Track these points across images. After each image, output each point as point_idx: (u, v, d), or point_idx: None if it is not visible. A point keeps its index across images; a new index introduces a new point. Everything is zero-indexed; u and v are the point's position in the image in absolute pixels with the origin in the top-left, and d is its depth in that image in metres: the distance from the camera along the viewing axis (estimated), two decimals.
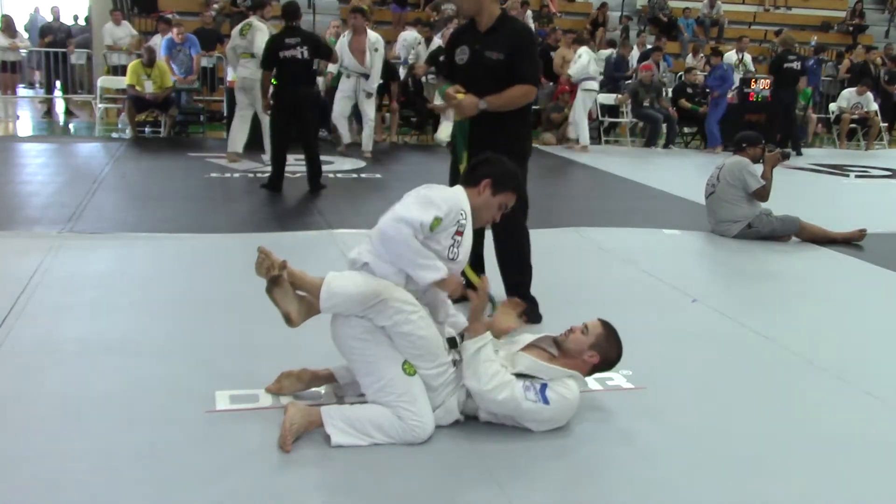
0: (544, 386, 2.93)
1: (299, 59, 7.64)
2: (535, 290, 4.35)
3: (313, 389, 3.23)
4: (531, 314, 4.23)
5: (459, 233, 3.00)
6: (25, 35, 14.27)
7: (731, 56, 14.18)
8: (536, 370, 2.98)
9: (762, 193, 6.39)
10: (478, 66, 4.13)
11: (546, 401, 2.91)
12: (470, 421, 3.02)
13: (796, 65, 12.52)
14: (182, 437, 2.86)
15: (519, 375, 2.96)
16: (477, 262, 4.28)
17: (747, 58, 14.25)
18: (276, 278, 2.99)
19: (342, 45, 9.83)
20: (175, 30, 11.69)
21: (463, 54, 4.20)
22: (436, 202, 2.93)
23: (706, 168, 10.35)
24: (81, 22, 16.44)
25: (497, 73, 4.09)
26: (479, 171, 3.19)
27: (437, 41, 12.21)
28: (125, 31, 12.69)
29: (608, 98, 12.95)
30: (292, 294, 3.03)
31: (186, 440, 2.84)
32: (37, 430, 2.86)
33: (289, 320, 3.03)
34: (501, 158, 3.30)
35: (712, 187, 6.58)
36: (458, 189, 3.15)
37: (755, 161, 6.51)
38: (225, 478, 2.61)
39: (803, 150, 13.21)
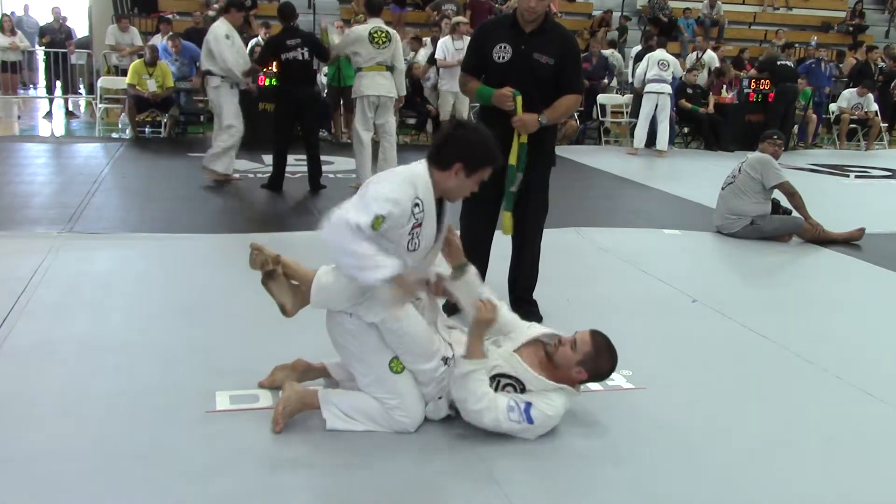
0: (528, 405, 2.88)
1: (300, 59, 7.66)
2: (536, 291, 4.36)
3: (307, 383, 3.23)
4: (532, 316, 4.24)
5: (418, 225, 2.81)
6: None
7: (690, 57, 14.04)
8: (525, 378, 2.95)
9: (793, 196, 6.45)
10: (524, 67, 3.99)
11: (530, 420, 2.88)
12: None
13: (790, 62, 12.72)
14: (182, 437, 2.86)
15: (504, 377, 2.95)
16: (481, 262, 4.28)
17: (708, 56, 13.91)
18: (271, 272, 3.05)
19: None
20: (170, 43, 11.66)
21: (504, 52, 4.02)
22: (379, 199, 2.68)
23: (706, 168, 10.41)
24: (84, 29, 16.28)
25: (543, 76, 4.01)
26: (447, 151, 2.87)
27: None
28: (130, 38, 12.65)
29: (606, 98, 12.94)
30: (287, 286, 3.09)
31: (186, 440, 2.84)
32: (37, 429, 2.86)
33: (284, 311, 3.11)
34: (466, 129, 2.97)
35: (732, 178, 6.61)
36: (415, 173, 2.85)
37: (775, 157, 6.57)
38: (224, 477, 2.61)
39: (804, 151, 13.23)
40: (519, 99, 3.95)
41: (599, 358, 3.00)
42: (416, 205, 2.77)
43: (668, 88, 11.73)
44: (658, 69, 11.75)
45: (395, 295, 2.76)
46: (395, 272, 2.67)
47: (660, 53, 11.91)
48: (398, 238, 2.78)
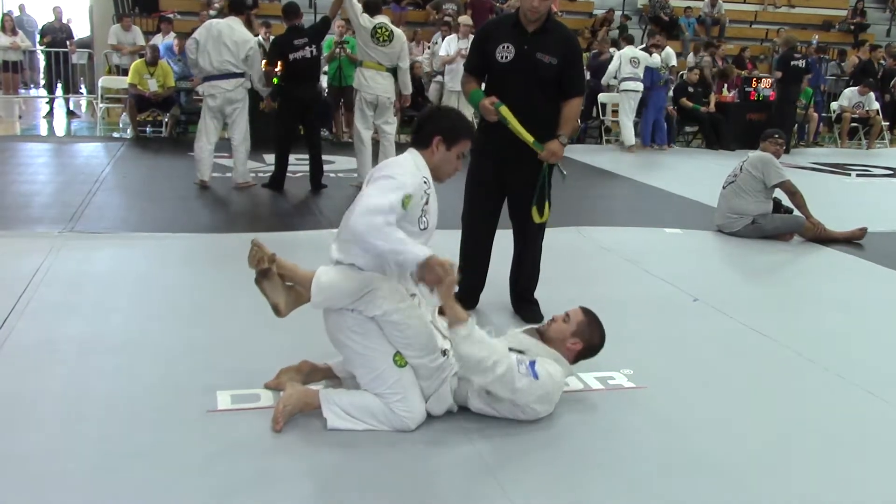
0: (533, 362, 2.96)
1: (308, 58, 7.67)
2: (536, 291, 4.36)
3: (312, 385, 3.23)
4: (533, 315, 4.24)
5: (427, 202, 3.01)
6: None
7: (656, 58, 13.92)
8: (525, 346, 3.06)
9: (795, 195, 6.43)
10: (526, 67, 3.98)
11: (536, 375, 2.93)
12: (463, 411, 3.04)
13: (801, 63, 12.64)
14: (183, 436, 2.86)
15: (511, 350, 3.01)
16: (483, 262, 4.29)
17: (665, 54, 13.70)
18: (266, 271, 3.05)
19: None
20: (176, 41, 11.65)
21: (507, 52, 4.01)
22: (400, 181, 2.87)
23: (707, 167, 10.40)
24: (84, 29, 16.25)
25: (546, 76, 4.00)
26: (426, 128, 3.10)
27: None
28: (132, 37, 12.66)
29: (607, 97, 12.93)
30: (280, 285, 3.10)
31: (187, 439, 2.84)
32: (37, 428, 2.86)
33: (277, 311, 3.10)
34: (440, 109, 3.29)
35: (734, 177, 6.60)
36: (411, 156, 3.07)
37: (777, 156, 6.56)
38: (224, 475, 2.61)
39: (805, 150, 13.22)
40: (503, 109, 3.95)
41: (592, 327, 3.15)
42: (425, 181, 2.99)
43: (640, 86, 11.87)
44: (630, 66, 11.82)
45: (429, 278, 2.85)
46: (427, 254, 2.81)
47: (630, 51, 11.99)
48: (414, 215, 2.95)
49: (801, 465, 2.90)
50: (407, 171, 2.95)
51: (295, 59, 7.62)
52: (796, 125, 13.55)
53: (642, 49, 12.86)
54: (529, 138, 3.98)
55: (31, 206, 6.69)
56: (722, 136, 12.73)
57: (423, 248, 2.85)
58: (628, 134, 11.91)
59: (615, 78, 12.02)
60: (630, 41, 12.44)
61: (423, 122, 3.15)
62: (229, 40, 7.47)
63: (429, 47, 12.72)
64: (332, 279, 2.92)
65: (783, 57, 12.94)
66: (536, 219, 4.16)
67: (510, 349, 3.02)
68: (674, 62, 13.44)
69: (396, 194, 2.83)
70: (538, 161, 4.06)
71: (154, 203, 7.07)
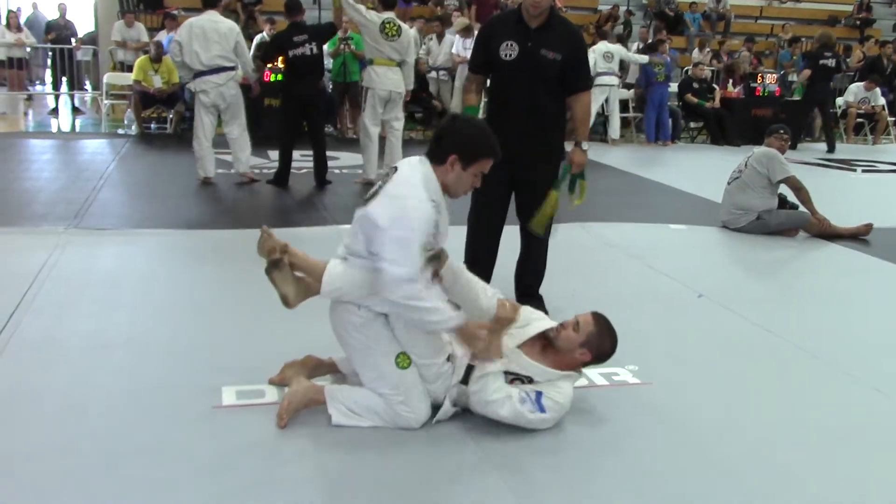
0: (539, 395, 2.91)
1: (309, 55, 7.64)
2: (541, 286, 4.35)
3: (316, 380, 3.23)
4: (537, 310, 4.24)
5: (436, 226, 2.85)
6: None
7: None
8: (531, 371, 2.98)
9: (800, 191, 6.40)
10: (530, 65, 3.96)
11: (543, 409, 2.90)
12: (468, 411, 3.02)
13: (831, 62, 12.50)
14: (188, 432, 2.86)
15: (512, 374, 2.96)
16: (489, 259, 4.28)
17: (616, 49, 13.47)
18: (277, 261, 3.04)
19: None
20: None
21: (511, 50, 3.99)
22: (413, 229, 2.72)
23: (712, 163, 10.38)
24: (88, 25, 16.26)
25: (550, 73, 3.99)
26: (444, 144, 2.88)
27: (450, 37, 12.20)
28: (136, 34, 12.67)
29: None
30: (291, 276, 3.09)
31: (192, 435, 2.84)
32: (43, 425, 2.87)
33: (286, 302, 3.09)
34: (461, 122, 3.00)
35: (738, 172, 6.59)
36: (422, 174, 2.86)
37: (782, 151, 6.53)
38: (229, 471, 2.62)
39: (811, 146, 13.18)
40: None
41: (602, 337, 3.04)
42: (434, 205, 2.82)
43: (615, 80, 11.95)
44: (604, 62, 11.80)
45: (461, 341, 2.93)
46: (460, 323, 2.83)
47: (603, 46, 11.99)
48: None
49: (805, 460, 2.89)
50: (417, 206, 2.75)
51: (294, 55, 7.60)
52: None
53: (647, 45, 12.84)
54: (553, 201, 4.07)
55: (36, 202, 6.70)
56: (727, 131, 12.70)
57: (458, 314, 2.83)
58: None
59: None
60: (604, 36, 12.42)
61: (440, 135, 2.92)
62: (216, 34, 7.45)
63: (423, 43, 12.70)
64: (345, 271, 2.90)
65: (813, 54, 12.81)
66: (576, 202, 4.24)
67: (513, 374, 2.96)
68: (627, 56, 13.24)
69: (415, 250, 2.71)
70: (548, 158, 4.07)
71: (159, 199, 7.08)
